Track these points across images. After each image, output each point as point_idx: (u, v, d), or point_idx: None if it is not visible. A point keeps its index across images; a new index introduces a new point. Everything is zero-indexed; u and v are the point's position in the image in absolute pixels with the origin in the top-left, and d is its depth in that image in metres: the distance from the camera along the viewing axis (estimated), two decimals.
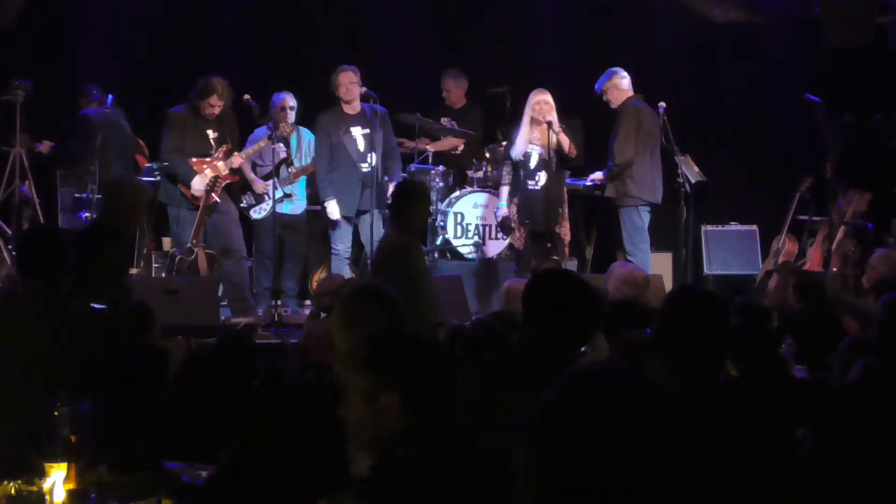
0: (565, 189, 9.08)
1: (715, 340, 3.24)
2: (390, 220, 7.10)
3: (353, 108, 8.93)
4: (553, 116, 8.73)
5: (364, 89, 8.87)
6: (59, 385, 3.93)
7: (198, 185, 8.56)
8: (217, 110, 8.62)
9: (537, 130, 8.83)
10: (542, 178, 8.86)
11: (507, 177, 9.18)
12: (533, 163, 8.86)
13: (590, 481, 1.81)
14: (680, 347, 3.20)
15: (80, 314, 4.31)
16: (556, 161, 8.81)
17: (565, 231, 8.96)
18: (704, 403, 3.09)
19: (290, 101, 9.17)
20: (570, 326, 3.56)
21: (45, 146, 9.57)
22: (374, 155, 8.87)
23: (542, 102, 8.77)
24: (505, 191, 9.22)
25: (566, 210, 8.99)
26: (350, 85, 8.87)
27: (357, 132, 8.95)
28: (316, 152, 9.07)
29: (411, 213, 6.64)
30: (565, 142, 8.72)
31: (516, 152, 8.90)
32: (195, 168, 8.59)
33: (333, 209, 8.89)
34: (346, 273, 8.92)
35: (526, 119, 8.84)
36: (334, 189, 8.91)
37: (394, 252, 6.57)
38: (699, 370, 3.18)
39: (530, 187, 8.90)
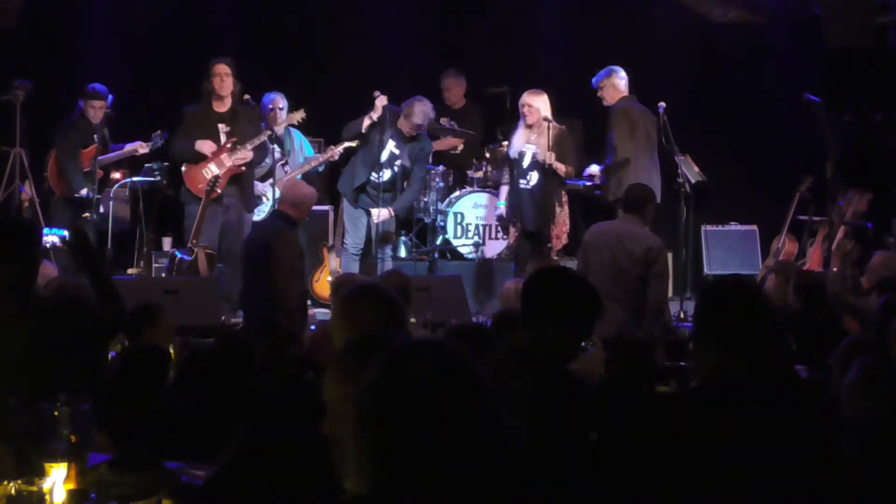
0: (563, 190, 9.07)
1: (761, 327, 3.15)
2: None
3: (408, 130, 8.90)
4: (538, 118, 8.71)
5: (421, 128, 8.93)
6: (42, 378, 3.94)
7: (204, 147, 8.57)
8: (229, 80, 8.65)
9: (535, 131, 8.83)
10: (533, 177, 8.87)
11: (506, 176, 9.22)
12: (526, 162, 8.88)
13: (417, 451, 1.91)
14: (729, 337, 3.10)
15: (48, 305, 4.27)
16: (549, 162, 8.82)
17: (559, 232, 8.94)
18: (769, 392, 3.00)
19: (281, 101, 9.25)
20: (569, 323, 3.56)
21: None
22: (387, 172, 8.92)
23: (524, 105, 8.78)
24: (504, 190, 9.24)
25: (558, 211, 8.96)
26: (427, 113, 8.87)
27: (391, 146, 8.94)
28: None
29: None
30: (560, 169, 8.74)
31: (512, 152, 8.94)
32: (202, 163, 8.61)
33: (376, 214, 8.92)
34: (354, 268, 8.95)
35: (521, 120, 8.87)
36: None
37: None
38: (751, 359, 3.08)
39: (521, 186, 8.91)
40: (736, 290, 3.22)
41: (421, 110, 8.81)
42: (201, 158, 8.64)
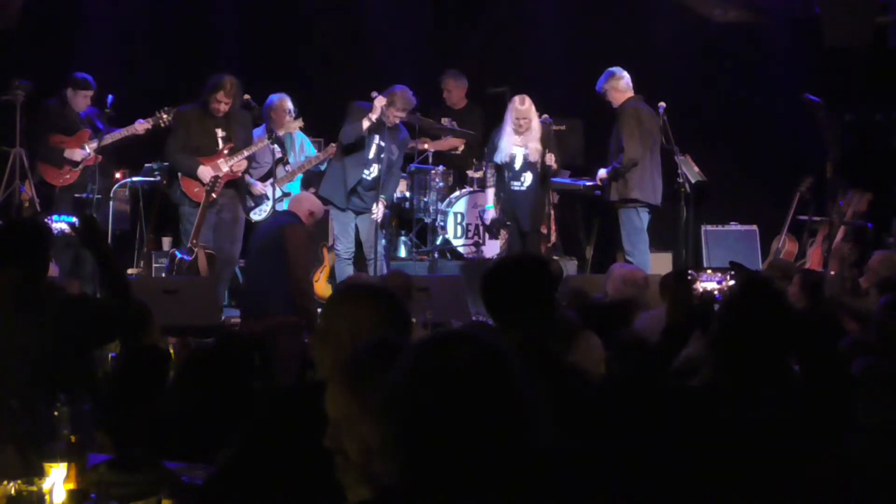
0: (550, 190, 9.10)
1: (778, 334, 3.11)
2: None
3: (392, 118, 8.88)
4: (533, 124, 8.72)
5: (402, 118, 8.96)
6: (42, 378, 3.94)
7: (205, 174, 8.56)
8: (224, 107, 8.60)
9: (525, 135, 8.82)
10: (527, 178, 8.89)
11: (490, 179, 9.23)
12: (518, 164, 8.88)
13: (445, 439, 1.87)
14: (743, 344, 3.03)
15: (58, 304, 4.26)
16: (541, 163, 8.83)
17: (551, 231, 8.97)
18: (766, 402, 2.95)
19: (288, 103, 9.24)
20: (535, 308, 3.44)
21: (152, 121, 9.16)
22: (376, 167, 8.92)
23: (522, 119, 8.78)
24: (491, 193, 9.25)
25: (551, 211, 9.00)
26: (408, 99, 8.87)
27: (377, 140, 8.94)
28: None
29: None
30: (550, 159, 8.78)
31: (500, 156, 8.93)
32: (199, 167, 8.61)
33: (377, 212, 8.90)
34: (349, 273, 8.92)
35: (510, 126, 8.85)
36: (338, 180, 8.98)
37: None
38: (762, 368, 3.04)
39: (515, 188, 8.92)
40: (765, 294, 3.14)
41: (402, 97, 8.83)
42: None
